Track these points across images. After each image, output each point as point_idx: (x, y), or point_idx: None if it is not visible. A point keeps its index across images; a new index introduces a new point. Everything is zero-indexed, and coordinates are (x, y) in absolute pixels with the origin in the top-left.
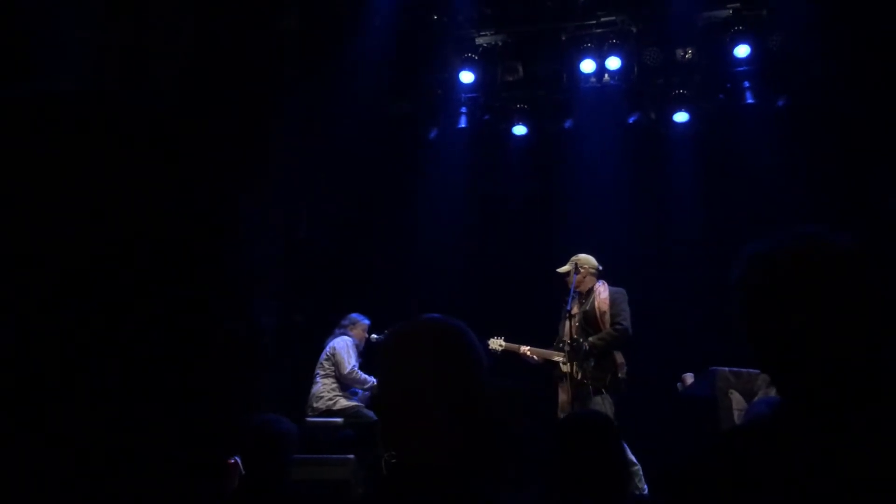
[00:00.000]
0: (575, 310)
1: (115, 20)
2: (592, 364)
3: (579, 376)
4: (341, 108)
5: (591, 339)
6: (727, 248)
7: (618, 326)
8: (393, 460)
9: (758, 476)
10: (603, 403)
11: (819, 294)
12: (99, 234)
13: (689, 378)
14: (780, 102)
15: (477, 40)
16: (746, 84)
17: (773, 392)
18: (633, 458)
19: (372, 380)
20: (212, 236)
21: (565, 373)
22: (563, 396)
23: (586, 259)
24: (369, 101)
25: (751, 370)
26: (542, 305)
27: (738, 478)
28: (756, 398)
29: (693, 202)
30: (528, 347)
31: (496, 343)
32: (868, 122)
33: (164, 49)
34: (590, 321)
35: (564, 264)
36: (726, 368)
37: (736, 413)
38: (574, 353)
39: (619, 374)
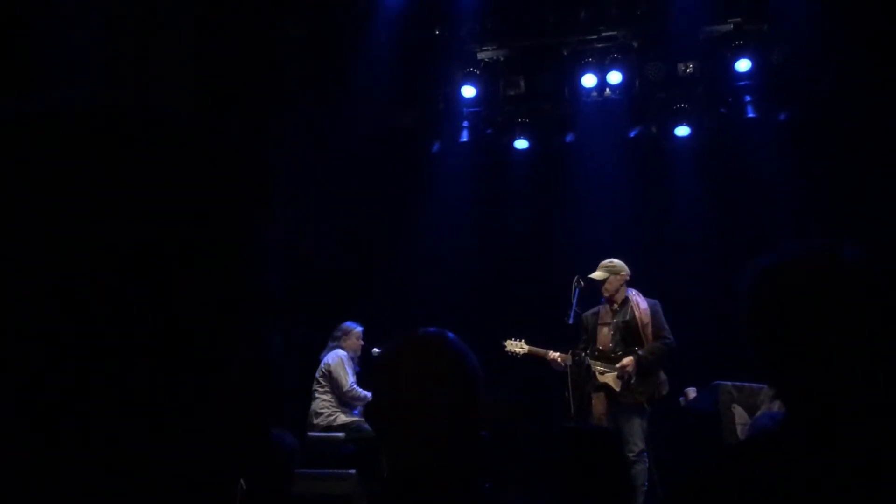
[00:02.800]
0: (608, 318)
1: (118, 31)
2: (635, 377)
3: (619, 388)
4: (344, 121)
5: (641, 352)
6: (729, 261)
7: (666, 340)
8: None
9: (760, 491)
10: (641, 418)
11: (826, 308)
12: (114, 255)
13: (692, 392)
14: (782, 116)
15: (479, 55)
16: (748, 98)
17: (775, 406)
18: (645, 479)
19: (370, 395)
20: (232, 259)
21: (603, 383)
22: (598, 408)
23: (621, 265)
24: (372, 114)
25: (753, 384)
26: (543, 318)
27: (741, 493)
28: (759, 413)
29: (695, 215)
30: (559, 353)
31: (517, 346)
32: (870, 136)
33: (167, 60)
34: (631, 332)
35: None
36: (729, 383)
37: (739, 427)
38: (613, 364)
39: (662, 391)
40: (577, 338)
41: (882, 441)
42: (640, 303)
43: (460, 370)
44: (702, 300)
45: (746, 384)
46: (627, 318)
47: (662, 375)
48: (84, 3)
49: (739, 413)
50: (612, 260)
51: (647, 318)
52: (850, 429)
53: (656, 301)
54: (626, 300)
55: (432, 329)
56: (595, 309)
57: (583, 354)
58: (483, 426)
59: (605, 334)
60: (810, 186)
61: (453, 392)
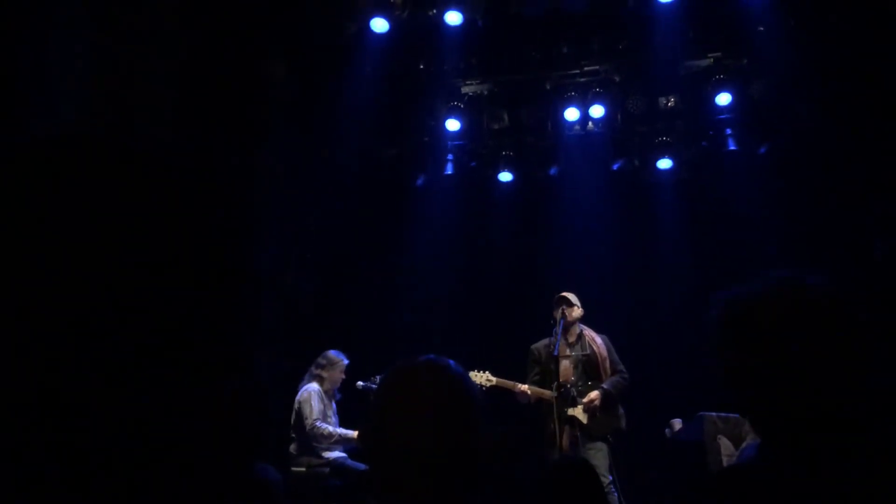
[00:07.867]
0: (566, 352)
1: (102, 66)
2: (600, 411)
3: (587, 421)
4: (329, 154)
5: (606, 386)
6: (711, 292)
7: (625, 374)
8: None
9: None
10: (606, 449)
11: (794, 337)
12: (102, 289)
13: (678, 423)
14: (762, 149)
15: (463, 89)
16: (728, 131)
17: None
18: None
19: (340, 431)
20: (221, 290)
21: (571, 416)
22: (566, 440)
23: (575, 298)
24: (357, 147)
25: (738, 415)
26: (526, 347)
27: None
28: (744, 444)
29: (677, 247)
30: (526, 385)
31: (482, 377)
32: (849, 168)
33: (151, 95)
34: (592, 366)
35: (549, 308)
36: (714, 414)
37: (724, 459)
38: (579, 397)
39: (622, 425)
40: (525, 370)
41: (855, 466)
42: (594, 337)
43: (461, 399)
44: (684, 330)
45: (731, 415)
46: (588, 351)
47: (621, 409)
48: (70, 32)
49: (725, 444)
50: (568, 294)
51: (604, 353)
52: (823, 455)
53: (605, 335)
54: (580, 334)
55: (432, 356)
56: (545, 341)
57: (568, 386)
58: (482, 460)
59: (566, 367)
60: (790, 218)
61: (453, 422)
